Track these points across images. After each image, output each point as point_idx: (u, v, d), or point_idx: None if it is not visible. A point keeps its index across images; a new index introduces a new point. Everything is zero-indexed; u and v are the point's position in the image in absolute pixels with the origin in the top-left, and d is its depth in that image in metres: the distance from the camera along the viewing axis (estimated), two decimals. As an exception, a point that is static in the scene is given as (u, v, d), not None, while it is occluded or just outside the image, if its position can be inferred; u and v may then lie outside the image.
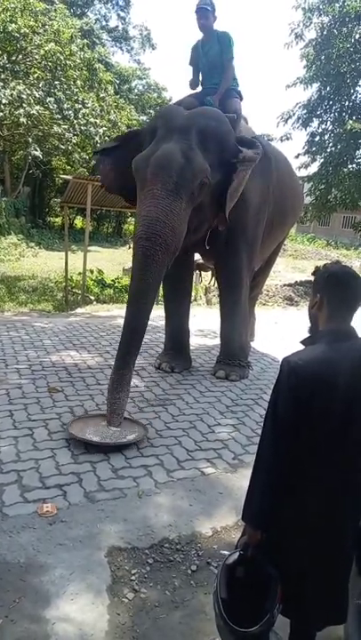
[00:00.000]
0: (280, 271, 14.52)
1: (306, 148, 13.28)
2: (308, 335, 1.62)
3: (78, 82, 14.13)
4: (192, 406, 4.08)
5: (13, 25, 12.27)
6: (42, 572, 2.15)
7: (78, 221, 23.97)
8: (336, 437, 1.45)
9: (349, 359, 1.46)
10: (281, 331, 6.79)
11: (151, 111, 23.44)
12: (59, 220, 24.26)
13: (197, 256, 5.39)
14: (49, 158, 18.77)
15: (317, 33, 11.93)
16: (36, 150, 14.39)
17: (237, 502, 2.64)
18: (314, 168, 13.40)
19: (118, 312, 7.41)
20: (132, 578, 2.20)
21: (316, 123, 13.12)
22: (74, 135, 14.81)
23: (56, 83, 13.41)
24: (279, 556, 1.54)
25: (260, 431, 1.57)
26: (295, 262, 18.94)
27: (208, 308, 8.37)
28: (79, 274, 9.26)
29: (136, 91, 27.02)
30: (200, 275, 8.98)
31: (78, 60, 14.07)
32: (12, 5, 12.35)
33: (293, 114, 12.92)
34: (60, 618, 1.94)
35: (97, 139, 14.97)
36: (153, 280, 3.55)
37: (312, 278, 1.63)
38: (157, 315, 5.15)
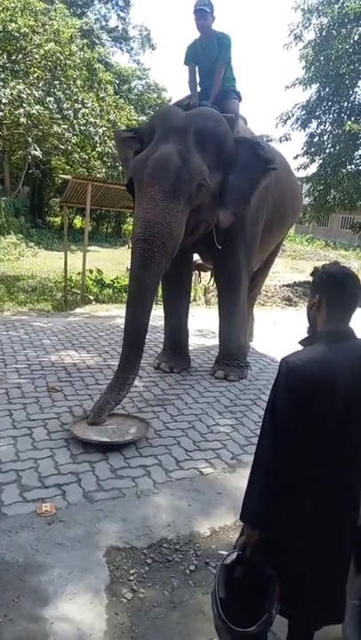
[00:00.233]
0: (279, 272, 14.53)
1: (305, 148, 13.29)
2: (306, 336, 1.62)
3: (78, 82, 14.12)
4: (191, 406, 4.08)
5: (13, 24, 12.25)
6: (40, 572, 2.16)
7: (78, 221, 23.96)
8: (335, 438, 1.46)
9: (348, 360, 1.46)
10: (280, 331, 6.79)
11: (151, 111, 23.41)
12: (58, 219, 24.24)
13: (196, 256, 5.39)
14: (48, 158, 18.75)
15: (316, 34, 11.94)
16: (36, 150, 14.38)
17: (236, 502, 2.65)
18: (313, 169, 13.43)
19: (117, 312, 7.41)
20: (131, 578, 2.20)
21: (315, 124, 13.13)
22: (73, 135, 14.80)
23: (56, 82, 13.40)
24: (277, 556, 1.54)
25: (258, 431, 1.58)
26: (294, 263, 18.95)
27: (207, 309, 8.38)
28: (78, 274, 9.25)
29: (136, 91, 26.99)
30: (199, 275, 8.97)
31: (78, 60, 14.05)
32: (12, 5, 12.34)
33: (292, 115, 12.93)
34: (58, 617, 1.94)
35: (96, 139, 14.96)
36: (151, 281, 3.57)
37: (311, 279, 1.63)
38: (156, 315, 5.15)
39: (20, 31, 12.40)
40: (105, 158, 17.72)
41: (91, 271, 9.78)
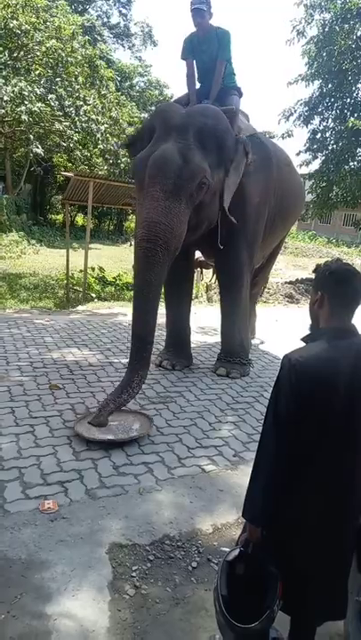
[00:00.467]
0: (281, 269, 14.51)
1: (307, 145, 13.25)
2: (308, 332, 1.62)
3: (80, 79, 14.07)
4: (193, 404, 4.08)
5: (15, 21, 12.21)
6: (43, 569, 2.16)
7: (79, 219, 23.96)
8: (337, 435, 1.45)
9: (350, 356, 1.46)
10: (282, 328, 6.78)
11: (153, 108, 23.36)
12: (60, 217, 24.25)
13: (198, 254, 5.38)
14: (50, 155, 18.73)
15: (319, 30, 11.88)
16: (38, 148, 14.34)
17: (238, 499, 2.65)
18: (315, 165, 13.38)
19: (119, 309, 7.42)
20: (133, 574, 2.21)
21: (317, 120, 13.08)
22: (75, 132, 14.77)
23: (57, 79, 13.36)
24: (279, 553, 1.54)
25: (260, 429, 1.58)
26: (296, 260, 18.93)
27: (209, 306, 8.37)
28: (80, 271, 9.25)
29: (137, 88, 26.94)
30: (201, 272, 8.97)
31: (80, 57, 14.00)
32: (14, 2, 12.29)
33: (295, 111, 12.88)
34: (61, 614, 1.95)
35: (98, 136, 14.91)
36: (156, 280, 3.57)
37: (313, 276, 1.63)
38: (159, 312, 5.15)
39: (21, 28, 12.36)
40: (107, 156, 17.67)
41: (93, 269, 9.79)
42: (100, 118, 14.68)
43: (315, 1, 11.76)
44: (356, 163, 12.66)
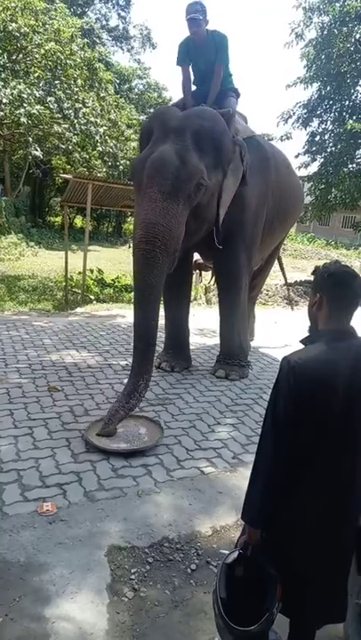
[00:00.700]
0: (280, 271, 14.48)
1: (306, 147, 13.28)
2: (307, 334, 1.62)
3: (79, 81, 14.11)
4: (192, 406, 4.08)
5: (14, 24, 12.25)
6: (42, 571, 2.16)
7: (78, 221, 23.98)
8: (336, 437, 1.45)
9: (349, 358, 1.46)
10: (281, 330, 6.79)
11: (151, 110, 23.43)
12: (59, 219, 24.27)
13: (197, 256, 5.38)
14: (49, 158, 18.77)
15: (318, 32, 11.92)
16: (37, 150, 14.37)
17: (237, 501, 2.65)
18: (314, 168, 13.41)
19: (118, 311, 7.42)
20: (132, 577, 2.20)
21: (316, 122, 13.12)
22: (74, 134, 14.80)
23: (56, 82, 13.39)
24: (278, 555, 1.54)
25: (259, 431, 1.58)
26: (295, 262, 18.95)
27: (208, 308, 8.38)
28: (79, 273, 9.26)
29: (136, 90, 27.01)
30: (200, 274, 8.98)
31: (79, 60, 14.04)
32: (13, 4, 12.32)
33: (293, 113, 12.92)
34: (59, 617, 1.94)
35: (97, 138, 14.95)
36: (156, 282, 3.56)
37: (312, 278, 1.63)
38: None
39: (20, 31, 12.40)
40: (105, 158, 17.73)
41: (91, 271, 9.79)
42: (98, 121, 14.73)
43: (313, 4, 11.81)
44: (354, 165, 12.69)
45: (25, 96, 12.20)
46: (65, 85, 13.59)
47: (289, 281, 12.04)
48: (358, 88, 12.50)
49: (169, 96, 27.31)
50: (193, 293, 7.49)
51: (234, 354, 4.86)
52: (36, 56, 13.32)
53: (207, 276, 8.91)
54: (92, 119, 14.38)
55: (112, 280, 10.00)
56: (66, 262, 8.92)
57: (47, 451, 3.13)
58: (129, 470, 3.00)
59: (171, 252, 3.64)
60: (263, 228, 4.86)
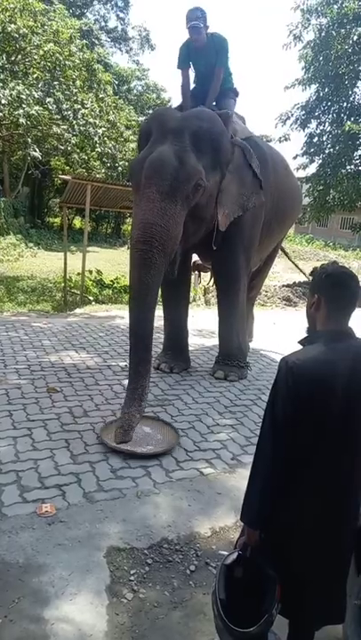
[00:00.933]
0: (279, 272, 14.53)
1: (304, 149, 13.32)
2: (306, 335, 1.62)
3: (77, 82, 14.12)
4: (191, 407, 4.08)
5: (13, 25, 12.26)
6: (41, 573, 2.16)
7: (77, 222, 23.98)
8: (335, 437, 1.46)
9: (348, 359, 1.46)
10: (279, 331, 6.79)
11: (150, 112, 23.44)
12: (58, 220, 24.26)
13: (196, 257, 5.39)
14: (48, 159, 18.77)
15: (316, 34, 11.96)
16: (35, 151, 14.38)
17: (236, 502, 2.65)
18: (312, 169, 13.46)
19: (117, 312, 7.41)
20: (131, 578, 2.20)
21: (314, 124, 13.16)
22: (73, 135, 14.81)
23: (55, 83, 13.41)
24: (277, 556, 1.54)
25: (258, 432, 1.58)
26: (294, 263, 18.92)
27: (207, 309, 8.38)
28: (78, 274, 9.25)
29: (135, 91, 27.02)
30: (199, 275, 8.98)
31: (77, 61, 14.05)
32: (12, 6, 12.34)
33: (292, 115, 12.96)
34: (58, 618, 1.94)
35: (96, 139, 14.96)
36: (152, 282, 3.55)
37: (310, 279, 1.63)
38: (156, 315, 5.16)
39: (19, 32, 12.41)
40: (104, 159, 17.73)
41: (90, 272, 9.79)
42: (97, 122, 14.74)
43: (311, 5, 11.86)
44: (353, 166, 12.74)
45: (24, 97, 12.21)
46: (64, 86, 13.60)
47: (287, 282, 12.08)
48: (356, 90, 12.56)
49: (168, 97, 27.36)
50: (192, 294, 7.50)
51: (233, 355, 4.87)
52: (35, 57, 13.33)
53: (206, 277, 8.92)
54: (91, 120, 14.39)
55: (111, 281, 10.00)
56: (65, 263, 8.92)
57: (46, 452, 3.13)
58: (128, 471, 3.01)
59: (168, 252, 3.64)
60: (261, 229, 4.87)
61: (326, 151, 12.90)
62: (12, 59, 13.43)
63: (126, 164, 18.16)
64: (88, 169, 18.62)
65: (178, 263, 3.88)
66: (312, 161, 13.30)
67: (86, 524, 2.48)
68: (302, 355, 1.50)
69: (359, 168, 12.77)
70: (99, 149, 15.93)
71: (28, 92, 12.35)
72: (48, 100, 13.12)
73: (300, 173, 13.33)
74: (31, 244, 16.91)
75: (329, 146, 12.86)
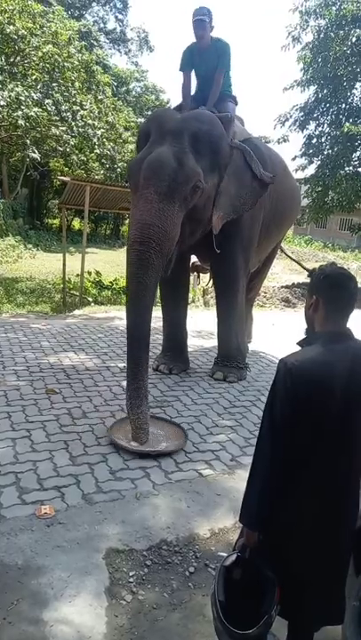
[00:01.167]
0: (278, 273, 14.55)
1: (303, 150, 13.35)
2: (304, 336, 1.62)
3: (76, 84, 14.12)
4: (190, 408, 4.08)
5: (11, 27, 12.25)
6: (40, 574, 2.15)
7: (76, 223, 23.97)
8: (333, 438, 1.46)
9: (346, 360, 1.47)
10: (278, 332, 6.80)
11: (149, 113, 23.46)
12: (56, 221, 24.25)
13: (195, 258, 5.39)
14: (47, 160, 18.76)
15: (314, 36, 12.00)
16: (34, 152, 14.36)
17: (235, 504, 2.65)
18: (311, 170, 13.49)
19: (116, 314, 7.41)
20: (130, 580, 2.20)
21: (312, 125, 13.19)
22: (72, 137, 14.80)
23: (54, 84, 13.41)
24: (276, 557, 1.54)
25: (257, 433, 1.58)
26: (292, 264, 18.91)
27: (206, 310, 8.38)
28: (77, 275, 9.25)
29: (134, 93, 27.06)
30: (198, 277, 8.98)
31: (76, 62, 14.06)
32: (10, 7, 12.34)
33: (290, 116, 12.99)
34: (57, 620, 1.94)
35: (95, 140, 14.96)
36: (150, 283, 3.54)
37: (309, 280, 1.64)
38: (155, 316, 5.16)
39: (17, 33, 12.40)
40: (103, 160, 17.74)
41: (89, 273, 9.79)
42: (96, 123, 14.74)
43: (310, 7, 11.90)
44: (351, 167, 12.77)
45: (22, 98, 12.20)
46: (63, 88, 13.60)
47: (286, 283, 12.09)
48: (355, 91, 12.60)
49: (166, 98, 27.38)
50: (191, 295, 7.50)
51: (232, 356, 4.87)
52: (34, 58, 13.33)
53: (205, 278, 8.91)
54: (90, 121, 14.39)
55: (110, 282, 10.00)
56: (64, 264, 8.92)
57: (45, 453, 3.13)
58: (127, 473, 3.00)
59: (165, 253, 3.64)
60: (260, 230, 4.87)
61: (325, 152, 12.93)
62: (11, 60, 13.43)
63: (125, 165, 18.17)
64: (87, 170, 18.62)
65: (173, 263, 3.87)
66: (311, 162, 13.33)
67: (85, 526, 2.48)
68: (301, 356, 1.50)
69: (358, 169, 12.80)
70: (98, 151, 15.93)
71: (26, 94, 12.34)
72: (47, 101, 13.11)
73: (299, 174, 13.37)
74: (30, 246, 16.90)
75: (328, 147, 12.89)
